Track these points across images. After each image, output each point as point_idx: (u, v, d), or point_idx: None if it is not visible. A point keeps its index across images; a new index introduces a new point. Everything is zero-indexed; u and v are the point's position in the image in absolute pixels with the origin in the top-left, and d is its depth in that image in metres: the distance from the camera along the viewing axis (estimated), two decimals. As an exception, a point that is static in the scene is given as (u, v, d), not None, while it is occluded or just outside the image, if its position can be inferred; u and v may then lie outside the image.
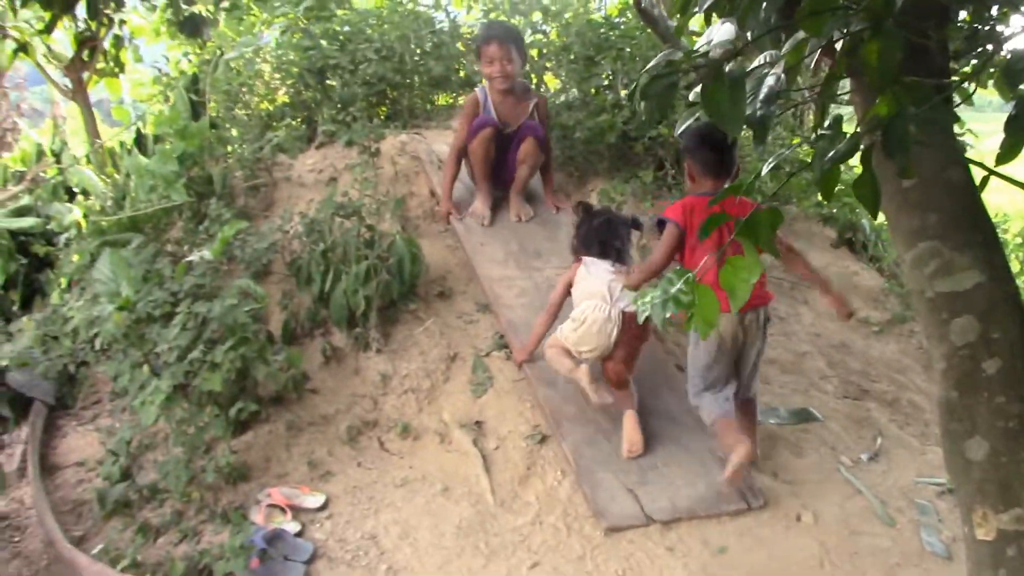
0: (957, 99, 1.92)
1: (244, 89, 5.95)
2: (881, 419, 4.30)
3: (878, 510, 3.56)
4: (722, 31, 1.52)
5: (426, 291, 4.56)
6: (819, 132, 1.74)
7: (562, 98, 5.88)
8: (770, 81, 1.52)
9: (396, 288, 4.35)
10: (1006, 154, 1.76)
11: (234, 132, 5.60)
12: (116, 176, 5.80)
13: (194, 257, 4.19)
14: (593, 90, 5.64)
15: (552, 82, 6.34)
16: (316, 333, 4.43)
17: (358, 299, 4.22)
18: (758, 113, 1.51)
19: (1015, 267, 6.83)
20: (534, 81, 6.05)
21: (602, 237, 3.91)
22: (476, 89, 4.95)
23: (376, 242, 4.38)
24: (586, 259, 3.88)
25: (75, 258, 4.96)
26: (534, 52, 6.22)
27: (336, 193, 4.64)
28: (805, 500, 3.57)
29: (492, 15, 6.83)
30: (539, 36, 6.45)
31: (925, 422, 4.39)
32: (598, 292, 3.73)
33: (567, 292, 3.89)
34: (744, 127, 1.53)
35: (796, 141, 5.83)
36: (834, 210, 6.20)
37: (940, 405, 1.96)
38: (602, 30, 5.84)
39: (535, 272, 4.53)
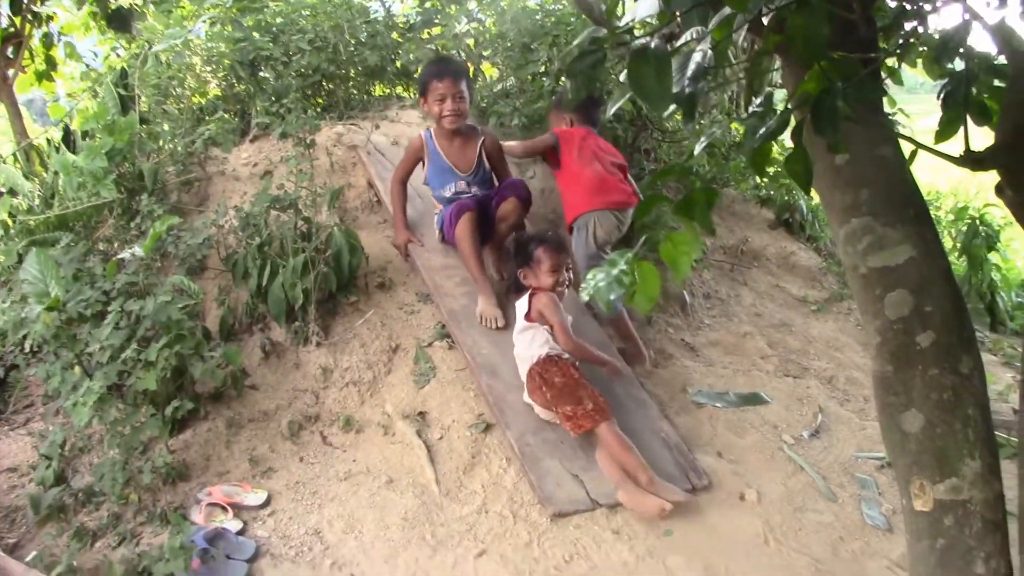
0: (886, 77, 1.93)
1: (174, 83, 5.82)
2: (821, 396, 4.36)
3: (820, 486, 3.61)
4: (645, 5, 1.50)
5: (366, 282, 4.51)
6: (750, 110, 1.74)
7: (499, 86, 5.87)
8: (697, 58, 1.51)
9: (335, 280, 4.29)
10: (944, 131, 1.78)
11: (165, 127, 5.46)
12: (44, 174, 5.64)
13: (125, 254, 4.07)
14: (530, 77, 5.63)
15: (489, 70, 6.31)
16: (254, 328, 4.35)
17: (296, 293, 4.15)
18: (686, 90, 1.50)
19: (947, 244, 6.97)
20: (471, 70, 5.97)
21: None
22: (421, 132, 4.59)
23: (313, 234, 4.31)
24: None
25: (1, 258, 4.81)
26: (470, 42, 6.19)
27: (271, 186, 4.56)
28: (748, 479, 3.60)
29: (428, 4, 6.77)
30: (475, 25, 6.42)
31: (864, 398, 4.46)
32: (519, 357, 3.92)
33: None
34: (673, 104, 1.52)
35: (733, 126, 5.89)
36: (771, 192, 6.29)
37: (876, 379, 1.98)
38: (537, 17, 5.84)
39: (475, 260, 4.47)
